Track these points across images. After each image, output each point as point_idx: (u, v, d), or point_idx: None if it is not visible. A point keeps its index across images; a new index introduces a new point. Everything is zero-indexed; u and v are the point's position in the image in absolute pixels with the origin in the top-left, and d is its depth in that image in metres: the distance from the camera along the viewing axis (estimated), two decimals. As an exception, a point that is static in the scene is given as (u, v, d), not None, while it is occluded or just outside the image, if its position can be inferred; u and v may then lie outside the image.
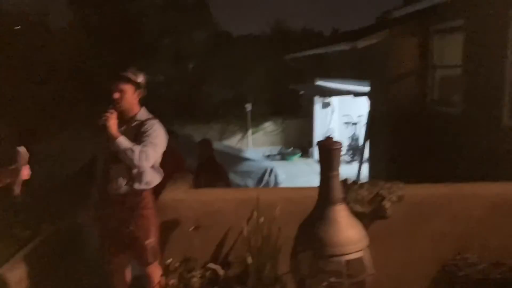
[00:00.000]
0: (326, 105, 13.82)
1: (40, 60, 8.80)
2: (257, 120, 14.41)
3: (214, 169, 5.38)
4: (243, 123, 14.22)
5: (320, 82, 13.55)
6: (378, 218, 3.47)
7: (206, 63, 14.70)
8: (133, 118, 3.07)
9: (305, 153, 14.21)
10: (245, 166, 10.05)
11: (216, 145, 10.61)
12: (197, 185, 3.97)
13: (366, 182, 3.72)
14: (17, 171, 2.53)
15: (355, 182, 3.68)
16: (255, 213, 3.36)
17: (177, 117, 13.93)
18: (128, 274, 3.30)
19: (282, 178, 10.25)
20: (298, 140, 14.57)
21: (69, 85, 8.00)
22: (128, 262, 3.24)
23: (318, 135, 13.90)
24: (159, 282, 3.12)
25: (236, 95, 14.62)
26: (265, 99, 14.76)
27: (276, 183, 10.15)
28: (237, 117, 14.33)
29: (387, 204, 3.44)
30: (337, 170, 3.06)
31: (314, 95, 13.12)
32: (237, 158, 10.28)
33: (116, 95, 2.97)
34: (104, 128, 2.88)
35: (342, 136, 13.65)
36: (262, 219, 3.32)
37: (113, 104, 2.98)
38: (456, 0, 6.66)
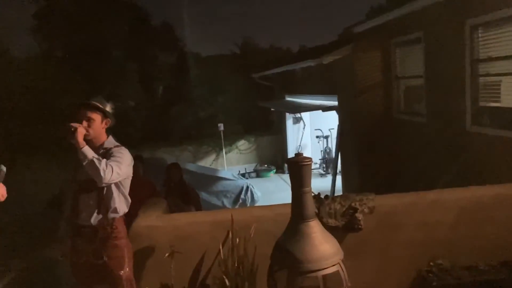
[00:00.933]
0: (297, 120, 13.97)
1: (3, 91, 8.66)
2: (230, 139, 14.42)
3: (184, 192, 5.35)
4: (217, 143, 14.21)
5: (289, 98, 13.72)
6: (352, 230, 3.52)
7: (176, 85, 14.71)
8: (100, 146, 3.05)
9: (280, 169, 14.28)
10: (220, 186, 10.03)
11: (190, 166, 10.59)
12: (168, 210, 3.95)
13: (338, 196, 3.78)
14: None
15: (327, 196, 3.73)
16: (230, 235, 3.37)
17: (150, 141, 13.84)
18: None
19: (259, 195, 10.26)
20: (272, 157, 14.65)
21: (33, 115, 7.87)
22: None
23: (291, 150, 14.01)
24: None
25: (208, 116, 14.65)
26: (237, 117, 14.84)
27: (253, 200, 10.16)
28: (210, 137, 14.32)
29: (359, 216, 3.50)
30: (308, 186, 3.10)
31: (285, 111, 13.26)
32: (212, 178, 10.24)
33: (84, 124, 2.94)
34: (71, 137, 2.81)
35: (315, 149, 13.80)
36: (237, 240, 3.33)
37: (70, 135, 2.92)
38: (414, 12, 6.91)
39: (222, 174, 10.80)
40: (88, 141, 2.98)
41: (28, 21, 13.84)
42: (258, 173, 14.04)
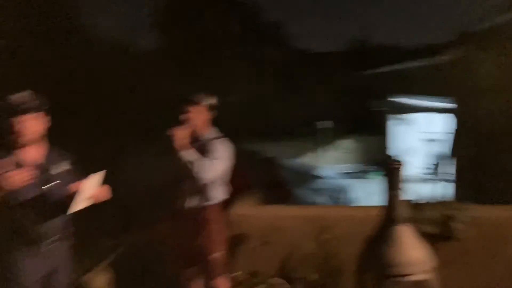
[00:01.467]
0: (404, 121, 13.40)
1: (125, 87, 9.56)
2: (332, 137, 14.29)
3: (278, 187, 5.47)
4: (317, 141, 14.17)
5: (398, 99, 13.21)
6: (449, 239, 3.36)
7: (282, 82, 14.91)
8: (202, 137, 3.24)
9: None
10: (317, 184, 10.02)
11: (288, 162, 10.72)
12: (263, 202, 4.10)
13: (436, 202, 3.62)
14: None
15: (425, 202, 3.60)
16: (320, 231, 3.41)
17: (254, 135, 14.21)
18: (199, 286, 3.47)
19: (357, 196, 10.08)
20: (374, 158, 14.24)
21: (148, 109, 8.54)
22: (198, 274, 3.41)
23: (395, 152, 13.48)
24: (227, 294, 3.24)
25: (312, 112, 14.63)
26: (341, 116, 14.62)
27: (350, 201, 10.01)
28: (312, 134, 14.31)
29: (457, 225, 3.32)
30: (400, 188, 3.04)
31: (391, 112, 12.80)
32: (309, 175, 10.27)
33: (187, 116, 3.18)
34: (175, 139, 3.02)
35: (422, 153, 13.13)
36: (326, 237, 3.36)
37: (185, 124, 3.19)
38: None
39: (322, 172, 10.78)
40: (192, 132, 3.21)
41: (146, 18, 14.96)
42: (360, 174, 13.73)
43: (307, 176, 10.30)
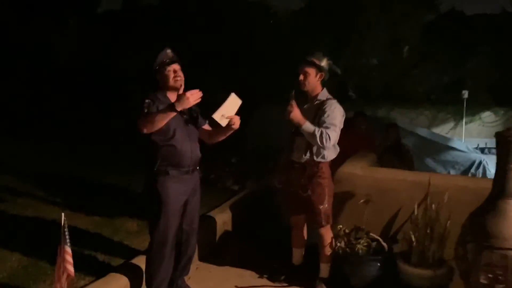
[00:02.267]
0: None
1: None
2: (474, 109, 13.25)
3: (399, 153, 5.47)
4: (457, 111, 13.29)
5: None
6: None
7: (422, 46, 14.10)
8: (315, 97, 3.49)
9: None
10: (449, 156, 9.55)
11: (420, 131, 10.35)
12: (375, 164, 4.23)
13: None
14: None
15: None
16: (428, 197, 3.47)
17: (387, 100, 13.89)
18: (305, 231, 3.83)
19: (492, 172, 9.41)
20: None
21: (282, 65, 8.93)
22: (305, 221, 3.76)
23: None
24: (330, 243, 3.55)
25: (453, 80, 13.69)
26: (486, 86, 13.42)
27: (484, 177, 9.40)
28: (451, 104, 13.45)
29: None
30: (514, 162, 2.96)
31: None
32: (442, 146, 9.81)
33: (301, 77, 3.44)
34: (290, 119, 3.36)
35: None
36: (433, 204, 3.42)
37: (298, 85, 3.46)
38: None
39: (454, 144, 10.20)
40: (305, 92, 3.48)
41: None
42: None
43: (438, 146, 9.88)
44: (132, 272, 3.30)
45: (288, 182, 3.61)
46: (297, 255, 3.83)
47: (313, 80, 3.45)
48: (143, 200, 3.22)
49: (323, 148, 3.38)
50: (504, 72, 13.11)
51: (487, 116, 13.40)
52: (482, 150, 12.45)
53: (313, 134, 3.31)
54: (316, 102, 3.48)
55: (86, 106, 8.60)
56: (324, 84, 3.53)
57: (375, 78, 14.53)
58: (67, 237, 2.83)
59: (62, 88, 9.21)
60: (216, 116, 3.01)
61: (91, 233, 4.03)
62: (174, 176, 3.09)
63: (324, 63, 3.44)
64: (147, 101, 3.02)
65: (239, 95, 3.12)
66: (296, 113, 3.35)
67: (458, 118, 13.43)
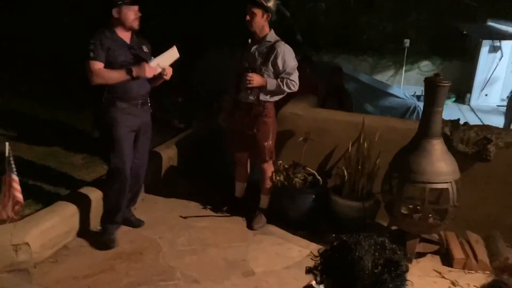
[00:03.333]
0: (494, 49, 12.59)
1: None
2: (414, 57, 13.76)
3: (340, 97, 5.73)
4: (398, 59, 13.76)
5: (493, 23, 12.30)
6: (481, 160, 3.58)
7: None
8: (263, 38, 3.58)
9: (461, 99, 13.38)
10: (387, 101, 10.04)
11: (362, 76, 10.73)
12: (315, 105, 4.46)
13: (477, 125, 3.79)
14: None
15: (465, 123, 3.78)
16: (361, 136, 3.76)
17: (332, 47, 14.10)
18: (248, 166, 4.04)
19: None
20: (456, 84, 13.66)
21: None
22: (248, 158, 3.96)
23: (479, 80, 12.90)
24: (270, 177, 3.79)
25: (396, 30, 14.05)
26: (426, 36, 13.92)
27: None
28: (393, 52, 13.89)
29: (491, 147, 3.51)
30: (440, 106, 3.27)
31: (482, 37, 12.01)
32: (381, 92, 10.28)
33: (247, 17, 3.49)
34: (253, 87, 3.52)
35: (507, 84, 12.47)
36: (365, 142, 3.71)
37: (246, 25, 3.53)
38: None
39: (392, 90, 10.69)
40: (253, 33, 3.56)
41: None
42: (434, 98, 13.39)
43: (378, 92, 10.32)
44: (79, 201, 3.40)
45: (234, 120, 3.75)
46: (240, 188, 4.07)
47: (260, 21, 3.51)
48: (99, 131, 3.31)
49: (292, 91, 3.61)
50: (443, 23, 13.59)
51: (425, 65, 13.98)
52: (418, 98, 13.13)
53: (278, 87, 3.53)
54: (266, 43, 3.57)
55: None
56: (271, 25, 3.61)
57: (322, 24, 14.61)
58: (12, 165, 2.87)
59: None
60: (152, 64, 3.20)
61: (36, 165, 4.04)
62: (122, 108, 3.17)
63: (271, 3, 3.50)
64: (92, 42, 3.04)
65: (179, 47, 3.29)
66: (256, 80, 3.50)
67: (398, 66, 13.93)
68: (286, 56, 3.55)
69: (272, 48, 3.55)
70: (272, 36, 3.61)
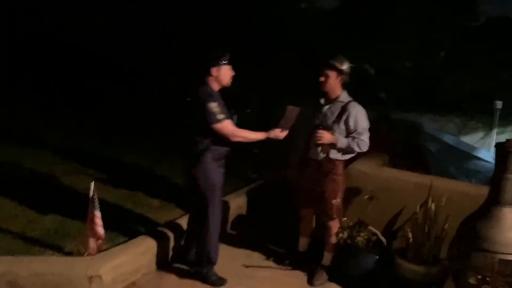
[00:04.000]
0: None
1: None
2: (507, 119, 13.08)
3: (417, 157, 5.62)
4: (489, 121, 13.13)
5: None
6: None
7: (459, 52, 13.94)
8: (336, 99, 3.69)
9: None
10: (473, 165, 9.55)
11: (447, 138, 10.36)
12: (387, 164, 4.44)
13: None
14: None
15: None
16: (429, 198, 3.68)
17: (418, 105, 13.84)
18: (313, 222, 4.09)
19: None
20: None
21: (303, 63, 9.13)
22: (313, 214, 4.00)
23: None
24: (336, 233, 3.80)
25: (486, 89, 13.51)
26: (521, 96, 13.20)
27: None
28: (483, 113, 13.30)
29: None
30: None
31: None
32: (467, 155, 9.83)
33: (322, 79, 3.65)
34: (324, 145, 3.65)
35: None
36: (433, 205, 3.62)
37: (319, 86, 3.69)
38: None
39: (480, 153, 10.18)
40: (325, 93, 3.72)
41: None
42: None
43: (463, 155, 9.89)
44: (150, 240, 3.68)
45: (304, 177, 3.84)
46: (303, 243, 4.10)
47: (333, 82, 3.63)
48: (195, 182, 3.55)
49: (362, 151, 3.69)
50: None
51: (517, 126, 13.22)
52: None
53: (348, 146, 3.61)
54: (339, 103, 3.68)
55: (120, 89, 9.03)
56: (345, 86, 3.73)
57: (407, 82, 14.49)
58: (96, 203, 3.21)
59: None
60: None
61: (117, 205, 4.42)
62: (217, 162, 3.49)
63: (345, 66, 3.61)
64: (215, 104, 3.35)
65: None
66: (327, 137, 3.60)
67: (488, 128, 13.28)
68: (358, 116, 3.63)
69: (345, 108, 3.64)
70: (345, 96, 3.71)
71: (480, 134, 13.45)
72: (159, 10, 10.08)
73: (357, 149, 3.63)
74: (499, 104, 12.80)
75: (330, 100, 3.73)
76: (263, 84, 8.48)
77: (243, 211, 4.83)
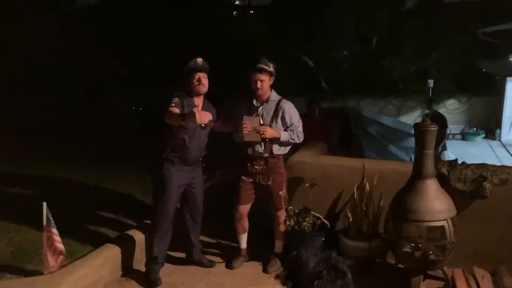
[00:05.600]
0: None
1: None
2: (439, 97, 13.89)
3: (348, 140, 5.97)
4: (424, 100, 13.92)
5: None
6: (478, 197, 3.76)
7: (390, 38, 14.63)
8: (267, 99, 3.95)
9: (491, 135, 13.30)
10: (411, 142, 10.09)
11: (384, 119, 10.94)
12: (325, 152, 4.77)
13: (473, 164, 3.98)
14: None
15: (463, 163, 3.98)
16: (363, 180, 4.03)
17: (357, 91, 14.43)
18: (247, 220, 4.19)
19: (451, 157, 10.09)
20: (484, 121, 13.65)
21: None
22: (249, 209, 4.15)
23: (507, 116, 12.84)
24: (284, 221, 4.05)
25: (419, 70, 14.28)
26: (450, 75, 14.05)
27: (442, 160, 10.07)
28: (418, 93, 14.07)
29: (487, 185, 3.69)
30: (430, 149, 3.53)
31: (503, 75, 12.09)
32: (405, 133, 10.43)
33: (258, 85, 3.84)
34: (267, 138, 3.84)
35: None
36: (367, 185, 3.98)
37: (255, 92, 3.90)
38: None
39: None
40: (258, 96, 3.94)
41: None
42: (464, 136, 13.38)
43: (401, 134, 10.48)
44: (118, 247, 3.88)
45: (249, 173, 4.00)
46: (244, 239, 4.22)
47: (266, 85, 3.90)
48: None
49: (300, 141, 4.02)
50: (467, 61, 13.73)
51: (452, 103, 14.06)
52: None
53: (289, 138, 3.91)
54: (271, 102, 3.96)
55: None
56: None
57: (346, 70, 15.07)
58: (51, 220, 3.32)
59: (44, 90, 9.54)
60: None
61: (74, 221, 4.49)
62: (178, 166, 3.75)
63: (272, 68, 3.88)
64: (175, 99, 3.64)
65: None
66: (269, 132, 3.83)
67: (424, 106, 14.07)
68: (291, 111, 3.97)
69: (278, 106, 3.94)
70: (274, 95, 4.00)
71: (417, 113, 14.22)
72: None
73: (296, 140, 3.95)
74: (431, 83, 13.61)
75: (263, 101, 3.96)
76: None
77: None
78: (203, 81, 3.71)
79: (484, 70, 12.88)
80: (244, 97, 4.13)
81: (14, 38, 9.51)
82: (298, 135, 3.94)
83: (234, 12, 17.66)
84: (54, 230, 3.39)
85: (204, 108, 3.75)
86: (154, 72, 11.58)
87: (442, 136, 6.51)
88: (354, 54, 14.90)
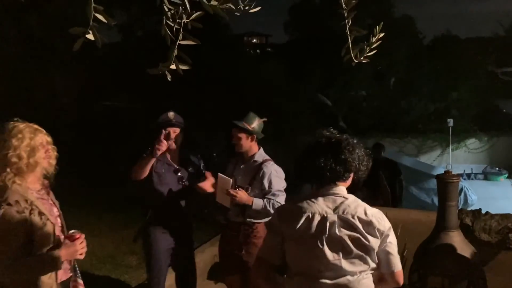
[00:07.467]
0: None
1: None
2: (459, 136, 13.85)
3: (376, 185, 5.94)
4: (444, 139, 13.87)
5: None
6: (504, 249, 3.71)
7: (408, 78, 14.78)
8: (251, 157, 3.38)
9: (515, 174, 13.12)
10: (433, 183, 10.05)
11: (405, 160, 10.93)
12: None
13: (498, 214, 3.94)
14: None
15: (487, 213, 3.95)
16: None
17: (376, 130, 14.48)
18: None
19: (473, 198, 9.96)
20: (506, 160, 13.49)
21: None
22: (241, 281, 3.45)
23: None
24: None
25: (438, 110, 14.33)
26: (470, 114, 14.05)
27: (465, 203, 9.93)
28: (438, 132, 14.05)
29: (513, 236, 3.65)
30: (453, 200, 3.52)
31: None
32: (426, 174, 10.39)
33: (234, 140, 3.37)
34: (237, 205, 3.26)
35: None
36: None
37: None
38: None
39: (437, 172, 10.74)
40: (241, 153, 3.42)
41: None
42: (486, 176, 13.19)
43: (422, 175, 10.42)
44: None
45: (225, 240, 3.52)
46: None
47: (245, 143, 3.36)
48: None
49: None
50: (487, 100, 13.75)
51: (472, 142, 13.98)
52: (469, 176, 13.01)
53: (264, 208, 3.24)
54: (253, 162, 3.39)
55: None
56: (260, 143, 3.49)
57: (364, 109, 15.19)
58: (77, 270, 3.38)
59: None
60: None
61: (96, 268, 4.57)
62: (162, 228, 3.42)
63: (254, 124, 3.37)
64: (145, 155, 3.29)
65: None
66: (241, 197, 3.23)
67: (444, 145, 14.00)
68: (272, 176, 3.32)
69: (259, 168, 3.34)
70: (260, 155, 3.42)
71: (437, 152, 14.16)
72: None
73: (270, 212, 3.18)
74: (450, 122, 13.60)
75: (246, 160, 3.43)
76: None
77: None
78: (172, 136, 3.27)
79: (504, 111, 12.84)
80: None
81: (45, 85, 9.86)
82: (275, 206, 3.18)
83: (257, 50, 18.06)
84: (80, 281, 3.43)
85: (180, 165, 3.44)
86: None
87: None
88: (372, 94, 15.07)
